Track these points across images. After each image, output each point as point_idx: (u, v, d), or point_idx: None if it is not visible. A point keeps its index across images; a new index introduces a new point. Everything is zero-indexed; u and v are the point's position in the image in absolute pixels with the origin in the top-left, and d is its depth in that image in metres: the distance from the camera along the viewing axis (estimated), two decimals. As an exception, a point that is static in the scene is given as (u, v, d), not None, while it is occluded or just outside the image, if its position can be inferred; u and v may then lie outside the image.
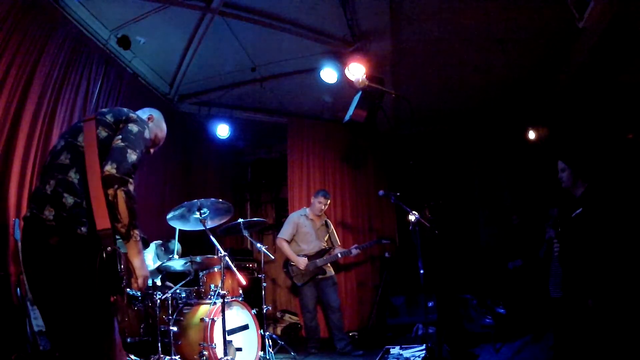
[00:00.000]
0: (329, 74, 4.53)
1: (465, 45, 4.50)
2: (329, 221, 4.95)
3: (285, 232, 4.74)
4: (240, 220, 3.96)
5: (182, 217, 3.40)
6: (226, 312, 3.07)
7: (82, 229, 1.55)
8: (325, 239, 4.81)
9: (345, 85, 4.52)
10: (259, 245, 4.16)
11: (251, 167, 7.63)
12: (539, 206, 5.12)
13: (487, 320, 5.01)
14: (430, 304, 4.54)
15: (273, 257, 4.48)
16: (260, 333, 3.55)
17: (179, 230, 3.81)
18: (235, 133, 5.87)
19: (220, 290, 3.14)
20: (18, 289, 2.88)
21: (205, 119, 5.79)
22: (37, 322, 2.86)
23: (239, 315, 3.46)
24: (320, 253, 4.65)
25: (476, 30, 4.23)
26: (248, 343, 3.40)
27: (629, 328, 2.45)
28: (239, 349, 3.27)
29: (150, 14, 3.92)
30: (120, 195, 1.56)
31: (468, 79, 5.22)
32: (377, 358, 3.76)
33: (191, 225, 3.49)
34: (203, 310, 3.35)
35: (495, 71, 5.00)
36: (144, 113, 2.05)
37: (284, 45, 4.52)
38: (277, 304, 6.67)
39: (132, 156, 1.65)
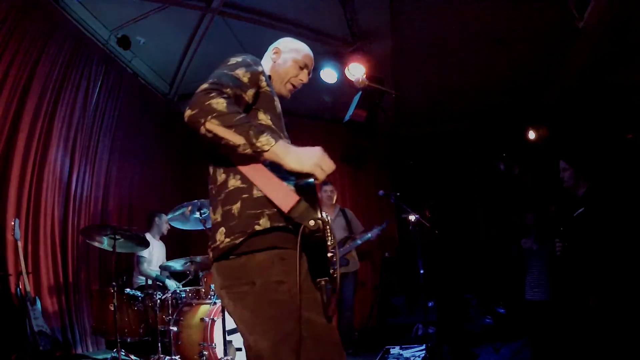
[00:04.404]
0: (329, 74, 4.52)
1: (465, 45, 4.50)
2: (346, 209, 4.75)
3: None
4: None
5: (183, 217, 3.41)
6: (226, 312, 3.07)
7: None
8: (343, 228, 4.56)
9: (345, 85, 4.52)
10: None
11: (251, 167, 7.61)
12: (539, 207, 5.11)
13: (487, 320, 5.00)
14: (430, 304, 4.53)
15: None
16: (261, 333, 3.54)
17: (180, 229, 3.81)
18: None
19: (220, 290, 3.14)
20: (18, 289, 2.88)
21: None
22: (37, 322, 2.85)
23: (239, 315, 3.46)
24: (340, 243, 4.43)
25: (476, 30, 4.23)
26: (248, 343, 3.40)
27: (631, 327, 2.45)
28: (239, 349, 3.26)
29: (150, 14, 3.92)
30: (212, 124, 1.18)
31: (468, 79, 5.22)
32: (377, 358, 3.75)
33: (191, 225, 3.50)
34: (203, 310, 3.34)
35: (495, 71, 5.00)
36: None
37: (284, 45, 4.51)
38: (277, 304, 6.66)
39: (204, 85, 1.26)
